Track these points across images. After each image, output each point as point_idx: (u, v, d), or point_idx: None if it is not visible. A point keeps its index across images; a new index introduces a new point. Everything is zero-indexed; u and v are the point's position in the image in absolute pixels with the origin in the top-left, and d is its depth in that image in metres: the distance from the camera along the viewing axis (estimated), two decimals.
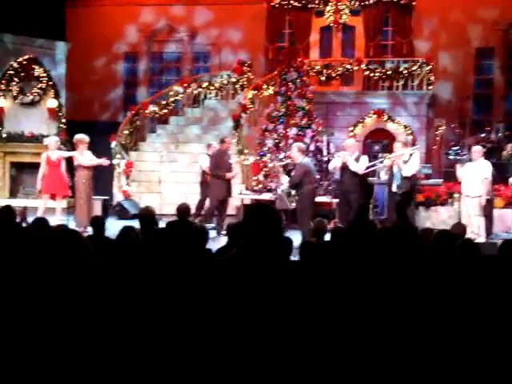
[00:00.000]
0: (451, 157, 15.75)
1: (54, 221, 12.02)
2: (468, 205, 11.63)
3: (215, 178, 12.77)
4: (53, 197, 13.03)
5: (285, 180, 11.51)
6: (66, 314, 3.11)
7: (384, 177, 11.94)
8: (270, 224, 3.21)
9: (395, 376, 2.96)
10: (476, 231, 11.28)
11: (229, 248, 5.66)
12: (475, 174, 11.55)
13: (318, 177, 12.47)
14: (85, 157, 12.41)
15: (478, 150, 11.94)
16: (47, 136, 15.66)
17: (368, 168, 12.00)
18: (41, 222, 6.68)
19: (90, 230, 10.85)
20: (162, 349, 3.24)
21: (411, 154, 11.86)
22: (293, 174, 11.31)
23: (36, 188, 13.62)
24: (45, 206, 12.76)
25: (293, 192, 11.53)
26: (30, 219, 8.87)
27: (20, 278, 3.40)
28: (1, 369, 3.05)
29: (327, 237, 6.89)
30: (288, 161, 12.34)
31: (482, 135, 17.36)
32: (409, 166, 11.46)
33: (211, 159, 13.17)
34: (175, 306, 3.38)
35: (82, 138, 12.54)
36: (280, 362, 3.01)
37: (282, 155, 14.77)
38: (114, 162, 15.94)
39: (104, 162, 12.83)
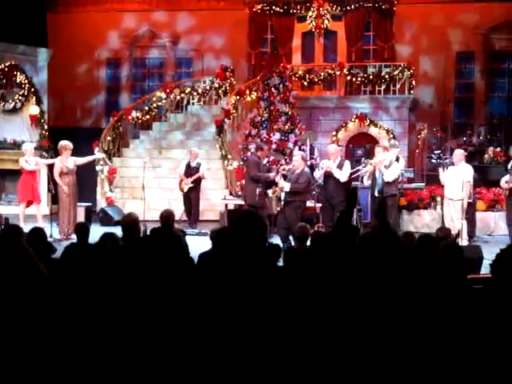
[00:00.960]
0: (433, 160, 15.85)
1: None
2: (451, 208, 11.71)
3: (255, 182, 12.28)
4: (29, 204, 12.98)
5: (284, 184, 11.42)
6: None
7: (367, 182, 11.99)
8: (255, 231, 3.22)
9: (376, 380, 2.98)
10: (458, 234, 11.35)
11: (212, 253, 5.67)
12: (457, 177, 11.62)
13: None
14: (68, 163, 12.37)
15: (459, 153, 12.04)
16: (25, 142, 15.62)
17: (352, 174, 12.05)
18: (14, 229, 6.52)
19: (73, 238, 10.86)
20: (143, 355, 3.24)
21: (398, 158, 11.94)
22: (295, 180, 11.19)
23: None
24: (24, 213, 12.73)
25: (282, 197, 11.53)
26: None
27: None
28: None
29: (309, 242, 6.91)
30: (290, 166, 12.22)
31: (464, 139, 17.50)
32: (390, 170, 11.51)
33: (249, 165, 12.72)
34: (158, 313, 3.38)
35: (65, 144, 12.52)
36: (265, 366, 3.02)
37: (265, 160, 14.78)
38: (97, 168, 15.90)
39: (98, 155, 12.90)
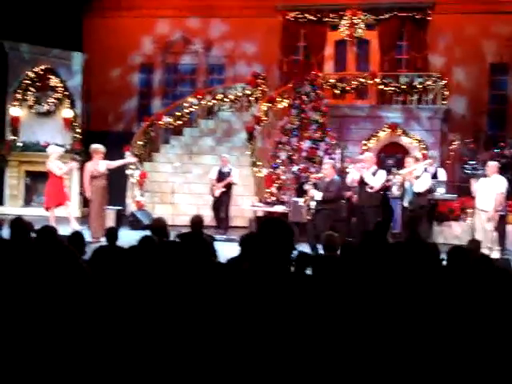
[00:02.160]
0: (467, 171, 15.69)
1: (70, 229, 12.11)
2: (482, 219, 11.58)
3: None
4: (58, 206, 13.07)
5: (315, 193, 11.43)
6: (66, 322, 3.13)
7: (396, 192, 11.93)
8: (283, 238, 3.22)
9: None
10: (490, 246, 11.24)
11: (241, 259, 5.67)
12: (489, 189, 11.52)
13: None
14: (100, 167, 12.46)
15: (492, 165, 11.91)
16: (62, 145, 15.80)
17: (383, 184, 11.97)
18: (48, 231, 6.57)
19: (103, 241, 10.93)
20: (168, 358, 3.25)
21: (425, 169, 11.85)
22: (326, 189, 11.20)
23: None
24: (54, 217, 12.81)
25: (312, 205, 11.50)
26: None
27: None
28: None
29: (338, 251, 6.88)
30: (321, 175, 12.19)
31: (496, 150, 17.31)
32: (421, 181, 11.44)
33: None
34: (186, 316, 3.40)
35: (97, 147, 12.61)
36: (285, 371, 3.01)
37: (295, 168, 14.78)
38: (128, 172, 16.01)
39: (129, 159, 12.97)
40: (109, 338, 3.17)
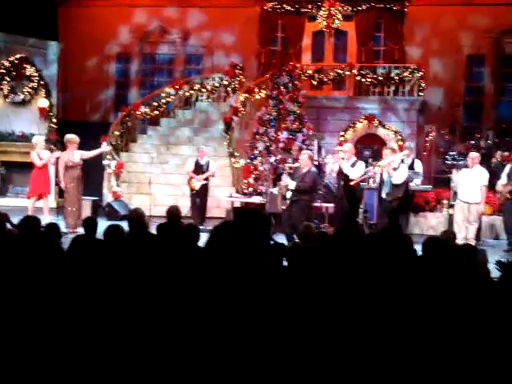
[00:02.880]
0: (448, 162, 15.78)
1: (44, 221, 12.03)
2: (465, 211, 11.63)
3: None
4: (39, 197, 13.04)
5: (289, 182, 11.46)
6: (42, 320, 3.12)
7: (373, 184, 11.99)
8: (259, 228, 3.23)
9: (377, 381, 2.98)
10: (468, 237, 11.34)
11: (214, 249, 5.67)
12: (472, 180, 11.56)
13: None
14: (74, 157, 12.41)
15: (474, 156, 11.95)
16: (35, 135, 15.67)
17: (361, 177, 11.99)
18: (32, 221, 6.60)
19: (79, 231, 10.89)
20: (150, 351, 3.25)
21: (402, 161, 11.91)
22: (302, 179, 11.24)
23: (26, 189, 13.67)
24: (33, 208, 12.77)
25: (288, 195, 11.53)
26: (16, 219, 8.88)
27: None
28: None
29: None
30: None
31: (472, 142, 17.45)
32: (399, 173, 11.50)
33: None
34: (163, 307, 3.39)
35: (71, 138, 12.55)
36: (265, 364, 3.02)
37: (272, 159, 14.80)
38: (105, 162, 15.94)
39: (105, 148, 12.92)
40: (88, 331, 3.16)
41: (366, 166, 12.28)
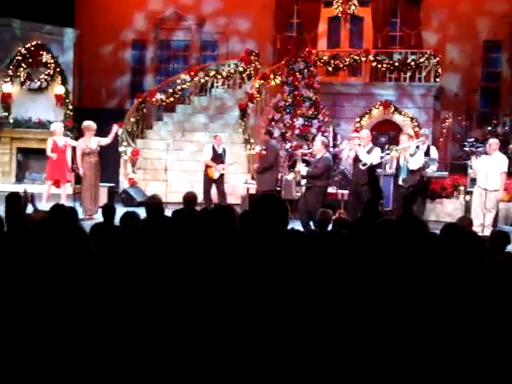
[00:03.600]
0: (466, 148, 15.68)
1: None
2: (483, 198, 11.53)
3: None
4: (56, 183, 13.16)
5: (302, 168, 11.50)
6: (66, 306, 3.14)
7: (389, 169, 11.95)
8: (277, 214, 3.24)
9: (397, 372, 2.98)
10: (485, 223, 11.28)
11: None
12: (491, 167, 11.45)
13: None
14: (91, 144, 12.46)
15: (493, 142, 11.81)
16: (54, 122, 15.75)
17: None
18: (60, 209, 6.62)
19: (96, 218, 10.96)
20: (165, 338, 3.27)
21: (417, 147, 11.86)
22: (315, 165, 11.27)
23: (43, 175, 13.81)
24: (48, 192, 12.89)
25: (302, 182, 11.55)
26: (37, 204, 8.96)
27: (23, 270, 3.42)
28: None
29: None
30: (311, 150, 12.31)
31: (489, 128, 17.33)
32: (415, 159, 11.45)
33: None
34: (179, 294, 3.41)
35: (89, 124, 12.60)
36: (279, 351, 3.03)
37: (288, 145, 14.78)
38: (121, 149, 15.98)
39: (115, 129, 12.98)
40: (108, 317, 3.19)
41: (382, 152, 12.24)
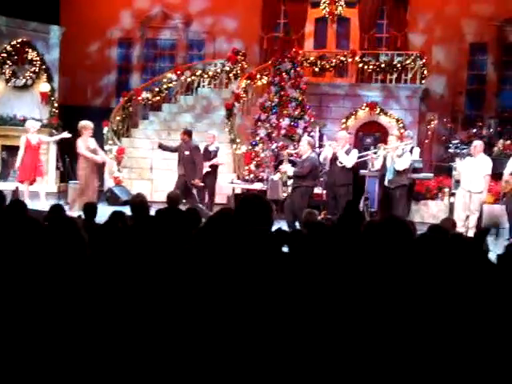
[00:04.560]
0: (451, 150, 15.74)
1: (42, 205, 12.09)
2: (466, 200, 11.57)
3: None
4: (32, 181, 13.15)
5: (288, 168, 11.52)
6: (61, 305, 3.12)
7: (375, 167, 11.93)
8: (261, 215, 3.23)
9: (379, 374, 2.98)
10: (468, 225, 11.32)
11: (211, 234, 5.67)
12: (476, 169, 11.48)
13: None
14: (89, 143, 12.36)
15: (478, 144, 11.83)
16: (39, 120, 15.68)
17: (360, 158, 12.05)
18: (18, 205, 6.60)
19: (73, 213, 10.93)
20: (155, 338, 3.26)
21: (403, 149, 11.90)
22: (301, 165, 11.28)
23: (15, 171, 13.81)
24: (28, 191, 12.89)
25: (289, 182, 11.57)
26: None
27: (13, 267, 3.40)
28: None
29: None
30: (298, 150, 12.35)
31: (474, 130, 17.41)
32: (402, 160, 11.48)
33: None
34: (165, 294, 3.40)
35: (86, 124, 12.50)
36: (265, 353, 3.03)
37: (274, 146, 14.79)
38: (106, 148, 15.92)
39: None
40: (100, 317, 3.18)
41: (369, 151, 12.28)
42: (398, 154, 11.51)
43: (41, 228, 3.64)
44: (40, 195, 12.89)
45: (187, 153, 12.72)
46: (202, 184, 12.92)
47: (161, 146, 13.48)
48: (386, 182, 11.58)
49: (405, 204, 12.28)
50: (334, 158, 11.57)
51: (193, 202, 12.15)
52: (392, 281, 3.15)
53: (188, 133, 12.92)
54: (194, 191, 12.90)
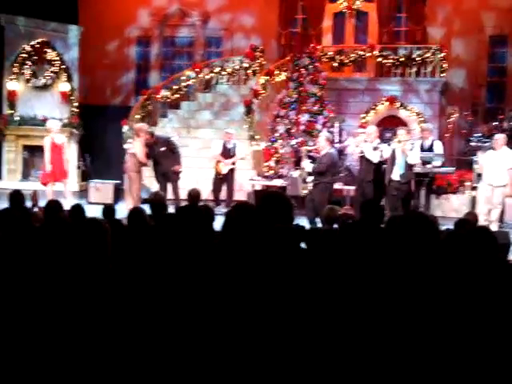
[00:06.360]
0: (473, 144, 15.62)
1: (66, 204, 12.17)
2: (488, 193, 11.48)
3: None
4: (55, 181, 13.31)
5: (306, 165, 11.51)
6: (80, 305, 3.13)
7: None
8: (282, 211, 3.21)
9: (403, 373, 2.96)
10: (491, 219, 11.24)
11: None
12: (498, 162, 11.38)
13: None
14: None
15: (500, 137, 11.73)
16: (60, 119, 15.78)
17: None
18: (54, 205, 6.71)
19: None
20: (172, 335, 3.26)
21: (412, 143, 11.87)
22: (319, 161, 11.29)
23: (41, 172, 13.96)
24: (53, 190, 13.02)
25: (308, 179, 11.56)
26: (42, 203, 8.98)
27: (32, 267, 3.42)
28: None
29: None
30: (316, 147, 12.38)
31: (495, 123, 17.27)
32: (414, 153, 11.46)
33: None
34: (184, 291, 3.40)
35: (141, 126, 12.90)
36: (282, 350, 3.02)
37: (293, 142, 14.75)
38: (125, 146, 15.96)
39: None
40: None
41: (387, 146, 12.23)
42: (409, 148, 11.49)
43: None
44: (65, 194, 13.07)
45: (163, 149, 13.10)
46: (181, 170, 13.39)
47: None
48: (394, 177, 11.51)
49: (425, 198, 12.25)
50: (362, 155, 11.56)
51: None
52: (416, 277, 3.12)
53: (151, 133, 13.18)
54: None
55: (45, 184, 13.32)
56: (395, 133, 15.46)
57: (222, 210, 13.05)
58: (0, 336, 3.13)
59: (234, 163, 13.84)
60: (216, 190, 13.90)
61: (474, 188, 12.85)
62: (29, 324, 3.11)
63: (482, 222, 10.21)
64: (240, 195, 14.88)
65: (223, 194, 14.05)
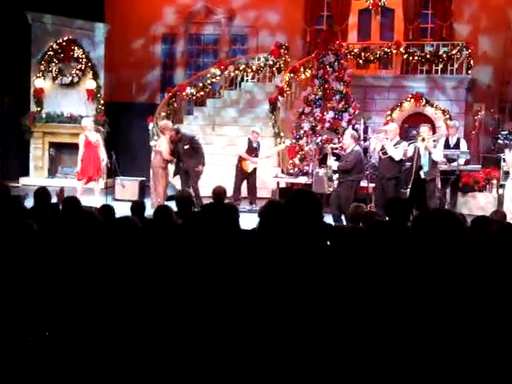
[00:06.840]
0: (500, 141, 15.49)
1: (95, 201, 12.30)
2: None
3: None
4: (89, 179, 13.39)
5: (332, 163, 11.50)
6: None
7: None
8: (311, 209, 3.22)
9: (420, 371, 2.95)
10: None
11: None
12: None
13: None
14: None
15: None
16: (84, 117, 15.90)
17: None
18: (72, 201, 6.76)
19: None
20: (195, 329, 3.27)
21: (435, 140, 11.80)
22: (345, 159, 11.27)
23: (75, 169, 14.03)
24: (83, 188, 13.15)
25: (334, 177, 11.54)
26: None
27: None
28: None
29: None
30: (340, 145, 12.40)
31: None
32: (438, 150, 11.42)
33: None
34: (209, 288, 3.41)
35: (166, 124, 13.02)
36: (309, 346, 3.02)
37: (318, 139, 14.73)
38: (151, 143, 16.04)
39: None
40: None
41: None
42: (432, 146, 11.46)
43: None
44: (96, 192, 13.26)
45: (186, 147, 12.99)
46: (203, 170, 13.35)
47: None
48: (421, 174, 11.46)
49: (451, 195, 12.19)
50: (383, 151, 11.50)
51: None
52: (446, 276, 3.11)
53: (176, 130, 13.15)
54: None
55: (80, 180, 13.50)
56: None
57: (245, 207, 13.07)
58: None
59: (261, 159, 13.87)
60: (237, 187, 13.88)
61: (501, 186, 12.74)
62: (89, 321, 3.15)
63: (509, 219, 10.11)
64: (263, 192, 14.89)
65: (243, 192, 14.04)
